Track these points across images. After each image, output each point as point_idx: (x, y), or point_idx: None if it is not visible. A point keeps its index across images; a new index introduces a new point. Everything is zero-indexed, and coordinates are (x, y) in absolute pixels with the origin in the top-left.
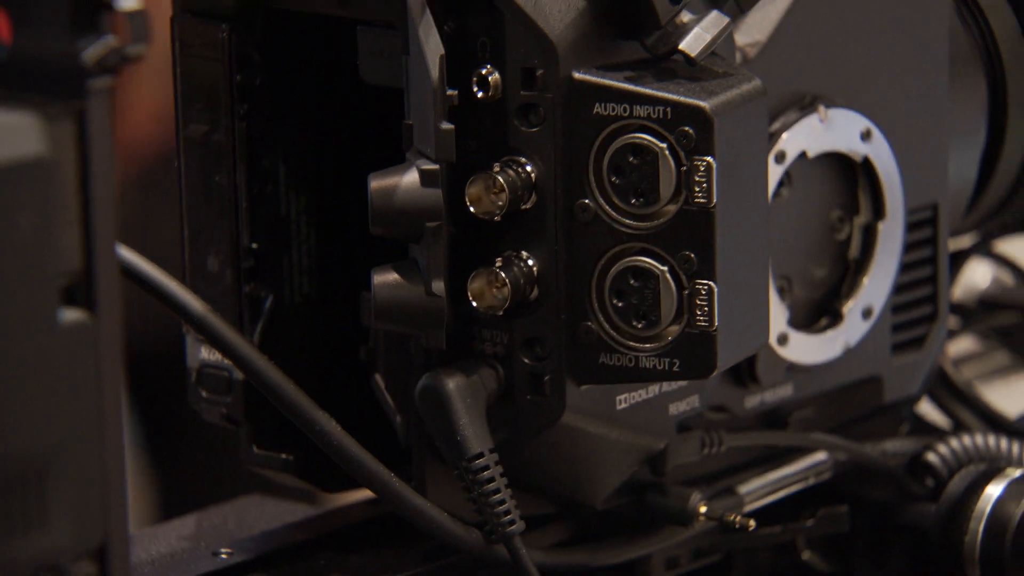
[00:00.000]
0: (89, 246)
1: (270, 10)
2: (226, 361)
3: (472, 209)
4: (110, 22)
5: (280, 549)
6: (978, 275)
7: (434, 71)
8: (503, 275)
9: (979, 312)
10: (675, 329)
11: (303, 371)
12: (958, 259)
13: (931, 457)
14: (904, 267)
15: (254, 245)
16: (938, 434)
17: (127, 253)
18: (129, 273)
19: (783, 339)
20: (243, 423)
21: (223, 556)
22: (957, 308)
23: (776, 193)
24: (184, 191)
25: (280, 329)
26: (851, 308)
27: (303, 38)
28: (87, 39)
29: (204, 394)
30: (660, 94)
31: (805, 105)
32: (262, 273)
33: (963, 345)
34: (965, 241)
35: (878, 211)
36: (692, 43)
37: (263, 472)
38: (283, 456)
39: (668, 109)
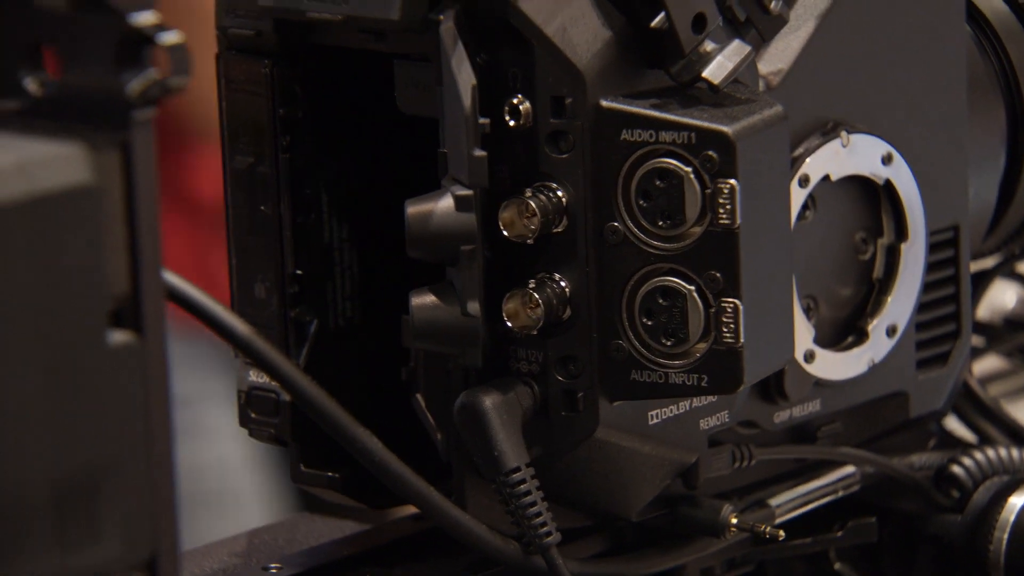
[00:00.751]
0: (135, 270)
1: (311, 46)
2: (273, 383)
3: (505, 233)
4: (153, 56)
5: (327, 563)
6: (1006, 296)
7: (467, 101)
8: (536, 296)
9: (1004, 331)
10: (703, 346)
11: (347, 392)
12: (982, 280)
13: (956, 469)
14: (927, 286)
15: (299, 272)
16: (963, 448)
17: (173, 277)
18: (175, 297)
19: (810, 356)
20: (291, 443)
21: (272, 571)
22: (983, 328)
23: (800, 215)
24: (231, 221)
25: (325, 352)
26: (876, 326)
27: (343, 72)
28: (131, 73)
29: (253, 415)
30: (685, 120)
31: (827, 131)
32: (307, 298)
33: (989, 364)
34: (989, 262)
35: (900, 232)
36: (715, 71)
37: (310, 490)
38: (329, 474)
39: (692, 135)
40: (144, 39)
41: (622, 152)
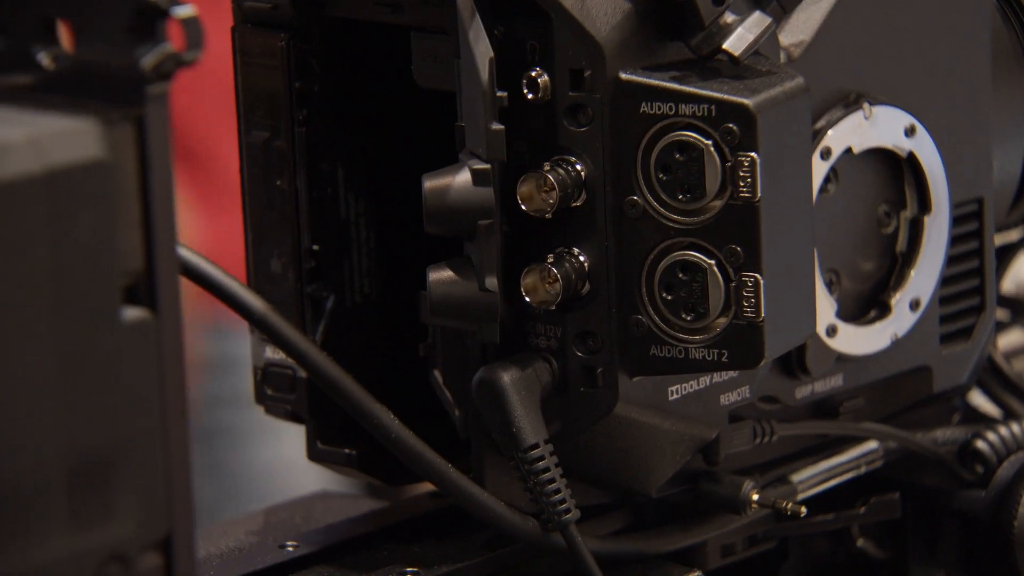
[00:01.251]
0: (150, 246)
1: (327, 19)
2: (289, 360)
3: (524, 207)
4: (166, 30)
5: (345, 541)
6: None
7: (484, 74)
8: (555, 271)
9: None
10: (723, 321)
11: (365, 368)
12: (1007, 253)
13: (980, 444)
14: (950, 260)
15: (315, 247)
16: (987, 422)
17: (188, 253)
18: (190, 273)
19: (832, 331)
20: (307, 419)
21: (289, 548)
22: (1007, 301)
23: (823, 189)
24: (247, 196)
25: (342, 328)
26: (899, 300)
27: (359, 45)
28: (145, 46)
29: (269, 392)
30: (705, 92)
31: (850, 102)
32: (323, 274)
33: (1014, 338)
34: (1013, 235)
35: (924, 205)
36: (735, 43)
37: (328, 467)
38: (346, 451)
39: (712, 107)
40: (158, 12)
41: (641, 125)
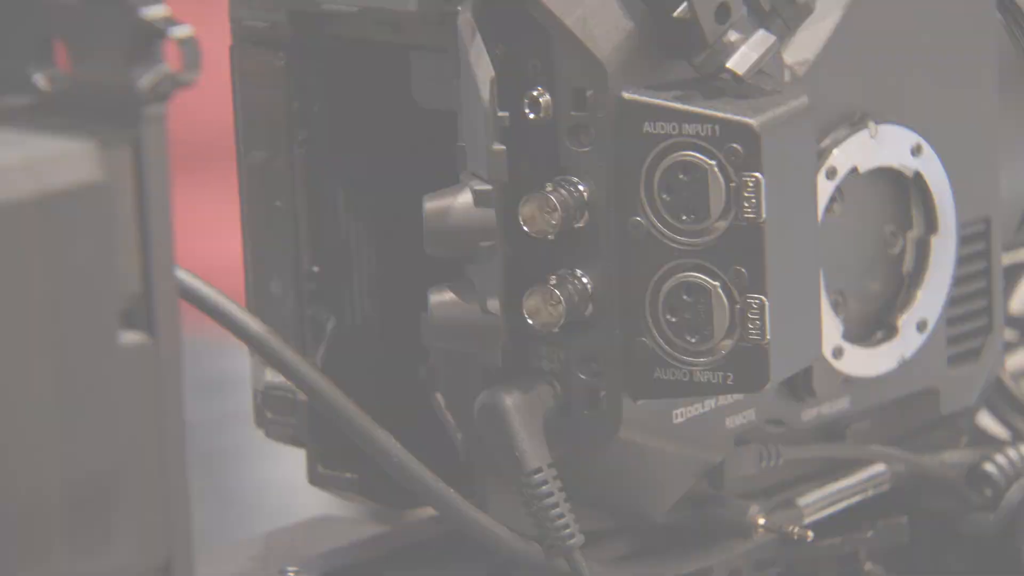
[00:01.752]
0: (147, 269)
1: (326, 38)
2: (289, 383)
3: (526, 228)
4: (163, 50)
5: (346, 566)
6: None
7: (485, 94)
8: (558, 292)
9: None
10: (728, 343)
11: (366, 391)
12: (1015, 272)
13: (989, 467)
14: (958, 280)
15: (315, 269)
16: (996, 445)
17: (186, 275)
18: (188, 295)
19: (838, 352)
20: (308, 443)
21: (290, 574)
22: (1016, 322)
23: (828, 209)
24: (246, 217)
25: (343, 350)
26: (906, 321)
27: (359, 64)
28: (142, 67)
29: (269, 415)
30: (708, 112)
31: (855, 121)
32: (324, 296)
33: (1022, 359)
34: (1022, 254)
35: (931, 225)
36: (739, 62)
37: (329, 491)
38: (348, 475)
39: (716, 127)
40: (155, 33)
41: (645, 145)
